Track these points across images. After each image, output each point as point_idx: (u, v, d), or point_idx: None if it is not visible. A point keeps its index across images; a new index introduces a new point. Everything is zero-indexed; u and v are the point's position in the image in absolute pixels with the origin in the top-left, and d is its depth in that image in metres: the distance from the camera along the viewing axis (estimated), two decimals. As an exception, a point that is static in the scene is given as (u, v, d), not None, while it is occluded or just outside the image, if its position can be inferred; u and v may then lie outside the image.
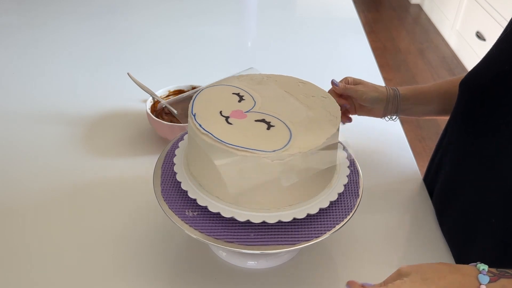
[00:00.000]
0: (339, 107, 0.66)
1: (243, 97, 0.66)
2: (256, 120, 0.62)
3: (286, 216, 0.61)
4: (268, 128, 0.61)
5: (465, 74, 0.76)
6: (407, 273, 0.53)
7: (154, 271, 0.71)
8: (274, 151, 0.57)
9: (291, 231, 0.62)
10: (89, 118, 1.04)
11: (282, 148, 0.57)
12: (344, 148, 0.73)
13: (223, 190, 0.61)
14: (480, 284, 0.52)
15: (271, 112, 0.63)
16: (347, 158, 0.71)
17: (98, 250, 0.74)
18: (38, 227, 0.78)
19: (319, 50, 1.39)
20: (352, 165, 0.72)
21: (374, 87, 0.83)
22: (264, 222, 0.60)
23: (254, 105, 0.65)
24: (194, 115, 0.62)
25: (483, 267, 0.53)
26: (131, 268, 0.72)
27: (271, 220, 0.60)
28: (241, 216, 0.60)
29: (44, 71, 1.23)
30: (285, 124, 0.61)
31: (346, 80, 0.84)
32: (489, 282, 0.52)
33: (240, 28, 1.58)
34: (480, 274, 0.52)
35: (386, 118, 0.87)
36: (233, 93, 0.67)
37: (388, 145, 0.99)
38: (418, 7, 4.06)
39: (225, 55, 1.33)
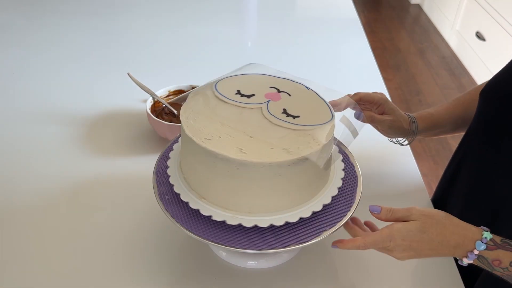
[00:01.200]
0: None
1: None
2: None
3: (278, 220, 0.61)
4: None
5: (466, 78, 0.75)
6: (415, 217, 0.58)
7: (154, 271, 0.71)
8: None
9: (291, 231, 0.62)
10: (89, 118, 1.04)
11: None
12: (340, 150, 0.73)
13: (213, 191, 0.61)
14: (474, 249, 0.56)
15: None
16: (342, 161, 0.71)
17: (97, 250, 0.74)
18: (38, 227, 0.78)
19: (319, 50, 1.39)
20: (350, 163, 0.72)
21: (402, 118, 0.78)
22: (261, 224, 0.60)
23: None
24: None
25: (487, 235, 0.56)
26: (131, 268, 0.72)
27: (263, 224, 0.60)
28: (233, 220, 0.60)
29: (44, 71, 1.23)
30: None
31: (358, 97, 0.77)
32: (486, 250, 0.56)
33: (240, 28, 1.58)
34: (478, 241, 0.56)
35: (394, 140, 0.84)
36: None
37: (388, 146, 0.99)
38: (418, 7, 4.06)
39: (225, 55, 1.33)
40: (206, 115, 0.63)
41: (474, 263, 0.58)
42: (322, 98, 0.68)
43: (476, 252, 0.56)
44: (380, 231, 0.59)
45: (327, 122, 0.63)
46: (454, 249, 0.57)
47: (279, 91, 0.67)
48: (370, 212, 0.61)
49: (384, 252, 0.60)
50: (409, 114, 0.80)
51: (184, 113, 0.64)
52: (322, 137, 0.60)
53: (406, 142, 0.83)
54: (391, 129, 0.78)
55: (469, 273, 0.72)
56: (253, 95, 0.66)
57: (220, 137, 0.59)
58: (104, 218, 0.80)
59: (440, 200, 0.87)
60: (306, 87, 0.69)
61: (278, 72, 0.72)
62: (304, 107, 0.65)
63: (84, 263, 0.72)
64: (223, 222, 0.61)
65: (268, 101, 0.65)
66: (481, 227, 0.58)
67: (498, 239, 0.57)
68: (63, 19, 1.50)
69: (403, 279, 0.72)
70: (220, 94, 0.66)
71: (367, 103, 0.77)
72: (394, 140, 0.84)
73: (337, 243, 0.61)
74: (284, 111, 0.63)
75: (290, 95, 0.67)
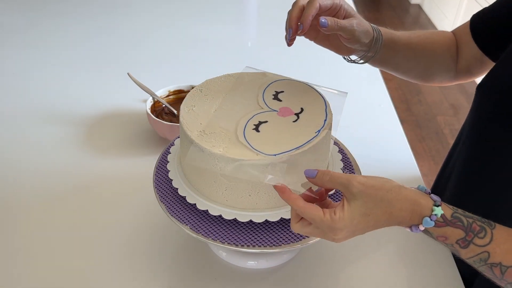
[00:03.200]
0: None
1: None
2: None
3: (273, 216, 0.61)
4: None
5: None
6: (354, 196, 0.51)
7: (154, 271, 0.71)
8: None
9: (291, 231, 0.62)
10: (89, 118, 1.04)
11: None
12: (340, 150, 0.73)
13: (212, 189, 0.62)
14: (420, 224, 0.51)
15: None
16: (341, 160, 0.71)
17: (98, 250, 0.74)
18: (38, 227, 0.78)
19: (319, 50, 1.39)
20: (349, 163, 0.72)
21: (367, 23, 0.70)
22: (266, 220, 0.60)
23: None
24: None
25: (437, 211, 0.51)
26: (131, 268, 0.72)
27: (258, 219, 0.60)
28: (229, 214, 0.60)
29: (44, 71, 1.23)
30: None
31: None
32: (433, 227, 0.51)
33: (240, 28, 1.58)
34: (426, 218, 0.51)
35: (350, 57, 0.76)
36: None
37: (388, 145, 0.99)
38: (418, 7, 4.06)
39: (225, 55, 1.33)
40: (205, 110, 0.63)
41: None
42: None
43: (421, 228, 0.51)
44: (321, 215, 0.51)
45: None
46: (399, 224, 0.53)
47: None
48: (306, 177, 0.54)
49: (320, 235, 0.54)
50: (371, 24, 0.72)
51: (184, 105, 0.65)
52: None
53: (362, 60, 0.76)
54: (358, 35, 0.67)
55: (468, 274, 0.72)
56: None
57: (214, 133, 0.60)
58: (104, 218, 0.80)
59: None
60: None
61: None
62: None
63: (84, 263, 0.72)
64: (223, 221, 0.61)
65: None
66: (432, 196, 0.52)
67: (449, 213, 0.51)
68: (63, 19, 1.50)
69: (403, 279, 0.72)
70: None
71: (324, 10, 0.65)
72: (350, 57, 0.76)
73: (277, 188, 0.55)
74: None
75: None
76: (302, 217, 0.54)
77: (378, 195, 0.51)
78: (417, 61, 0.79)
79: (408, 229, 0.53)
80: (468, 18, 0.82)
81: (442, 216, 0.51)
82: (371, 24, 0.71)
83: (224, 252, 0.73)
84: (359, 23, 0.67)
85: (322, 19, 0.62)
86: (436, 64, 0.80)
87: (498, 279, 0.52)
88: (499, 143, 0.67)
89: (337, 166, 0.69)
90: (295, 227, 0.54)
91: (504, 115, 0.65)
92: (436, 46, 0.79)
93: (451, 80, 0.83)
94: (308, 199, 0.55)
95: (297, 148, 0.57)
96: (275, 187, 0.55)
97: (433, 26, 3.64)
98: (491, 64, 0.75)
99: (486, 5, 0.78)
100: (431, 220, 0.50)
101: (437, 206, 0.51)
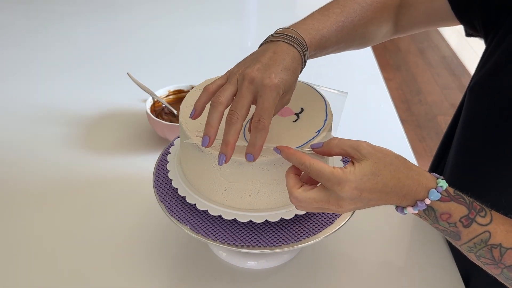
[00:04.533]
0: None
1: None
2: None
3: (273, 216, 0.60)
4: None
5: (466, 77, 0.72)
6: (364, 156, 0.50)
7: (153, 271, 0.71)
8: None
9: (291, 231, 0.62)
10: (89, 118, 1.04)
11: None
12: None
13: (212, 189, 0.61)
14: (427, 198, 0.50)
15: None
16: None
17: (98, 250, 0.74)
18: (37, 227, 0.78)
19: (319, 50, 1.39)
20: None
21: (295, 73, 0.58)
22: (266, 220, 0.60)
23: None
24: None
25: (442, 184, 0.50)
26: (131, 268, 0.72)
27: (258, 219, 0.60)
28: (229, 215, 0.60)
29: (43, 71, 1.23)
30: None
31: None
32: (438, 200, 0.50)
33: (240, 28, 1.58)
34: (432, 190, 0.50)
35: None
36: None
37: (388, 145, 0.99)
38: (418, 6, 4.06)
39: (225, 55, 1.33)
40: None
41: (416, 214, 0.52)
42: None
43: (427, 202, 0.50)
44: (331, 168, 0.50)
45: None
46: (403, 198, 0.50)
47: None
48: (312, 149, 0.53)
49: (325, 206, 0.51)
50: (299, 40, 0.59)
51: (184, 105, 0.65)
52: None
53: None
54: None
55: (464, 274, 0.72)
56: None
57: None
58: (103, 218, 0.80)
59: None
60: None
61: None
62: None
63: (84, 263, 0.72)
64: (223, 221, 0.61)
65: None
66: (434, 173, 0.52)
67: (451, 189, 0.51)
68: (63, 19, 1.50)
69: (403, 279, 0.72)
70: None
71: None
72: None
73: (281, 148, 0.53)
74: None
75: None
76: (302, 184, 0.52)
77: (387, 159, 0.50)
78: (350, 47, 0.73)
79: (407, 210, 0.51)
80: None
81: (447, 190, 0.50)
82: (300, 45, 0.59)
83: (224, 252, 0.73)
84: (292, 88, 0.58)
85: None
86: (373, 41, 0.76)
87: (495, 262, 0.52)
88: (492, 148, 0.66)
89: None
90: (297, 193, 0.51)
91: (497, 117, 0.64)
92: (371, 27, 0.72)
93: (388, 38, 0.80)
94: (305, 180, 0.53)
95: (297, 148, 0.57)
96: (279, 147, 0.54)
97: (434, 26, 3.65)
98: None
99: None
100: (437, 191, 0.50)
101: (441, 179, 0.51)
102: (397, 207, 0.53)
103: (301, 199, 0.51)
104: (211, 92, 0.55)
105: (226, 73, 0.57)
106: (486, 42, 0.71)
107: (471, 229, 0.51)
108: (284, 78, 0.54)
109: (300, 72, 0.59)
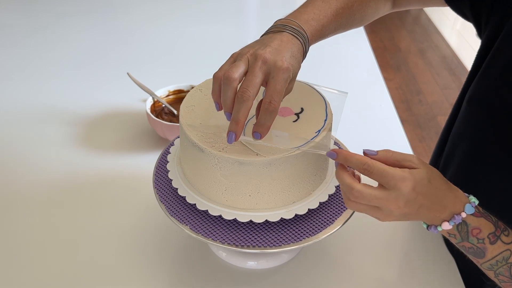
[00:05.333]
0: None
1: None
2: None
3: (273, 216, 0.61)
4: None
5: (466, 77, 0.72)
6: (418, 165, 0.51)
7: (154, 271, 0.71)
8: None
9: (291, 231, 0.62)
10: (89, 118, 1.04)
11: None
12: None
13: (212, 189, 0.62)
14: (463, 211, 0.51)
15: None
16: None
17: (97, 250, 0.74)
18: (37, 227, 0.78)
19: (319, 50, 1.39)
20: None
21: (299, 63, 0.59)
22: (266, 220, 0.60)
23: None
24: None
25: (474, 200, 0.52)
26: (130, 268, 0.72)
27: (258, 219, 0.60)
28: (229, 215, 0.60)
29: (43, 71, 1.22)
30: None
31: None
32: (471, 215, 0.51)
33: (240, 28, 1.58)
34: (468, 204, 0.51)
35: None
36: None
37: (388, 145, 0.98)
38: (419, 7, 4.05)
39: (225, 55, 1.32)
40: (205, 107, 0.63)
41: (448, 230, 0.52)
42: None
43: (463, 215, 0.51)
44: (392, 167, 0.50)
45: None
46: (443, 209, 0.51)
47: None
48: (365, 154, 0.53)
49: (383, 205, 0.51)
50: (301, 33, 0.60)
51: (184, 105, 0.65)
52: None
53: None
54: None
55: (468, 276, 0.72)
56: None
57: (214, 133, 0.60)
58: (104, 218, 0.80)
59: None
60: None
61: None
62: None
63: (84, 263, 0.72)
64: (223, 221, 0.61)
65: None
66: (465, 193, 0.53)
67: (480, 208, 0.53)
68: (62, 19, 1.50)
69: (404, 279, 0.72)
70: None
71: None
72: None
73: (338, 152, 0.53)
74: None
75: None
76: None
77: (435, 171, 0.52)
78: (347, 30, 0.72)
79: (443, 225, 0.52)
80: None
81: (477, 206, 0.52)
82: (301, 36, 0.60)
83: (224, 252, 0.73)
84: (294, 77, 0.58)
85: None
86: (369, 21, 0.76)
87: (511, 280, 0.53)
88: (490, 155, 0.66)
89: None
90: (360, 187, 0.51)
91: (496, 128, 0.64)
92: (368, 10, 0.72)
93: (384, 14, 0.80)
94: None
95: (297, 148, 0.57)
96: (334, 150, 0.53)
97: (434, 26, 3.64)
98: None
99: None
100: (472, 206, 0.51)
101: (472, 196, 0.53)
102: (429, 226, 0.54)
103: (364, 193, 0.51)
104: (220, 78, 0.55)
105: (232, 56, 0.57)
106: (478, 30, 0.71)
107: (496, 246, 0.52)
108: (293, 64, 0.55)
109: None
